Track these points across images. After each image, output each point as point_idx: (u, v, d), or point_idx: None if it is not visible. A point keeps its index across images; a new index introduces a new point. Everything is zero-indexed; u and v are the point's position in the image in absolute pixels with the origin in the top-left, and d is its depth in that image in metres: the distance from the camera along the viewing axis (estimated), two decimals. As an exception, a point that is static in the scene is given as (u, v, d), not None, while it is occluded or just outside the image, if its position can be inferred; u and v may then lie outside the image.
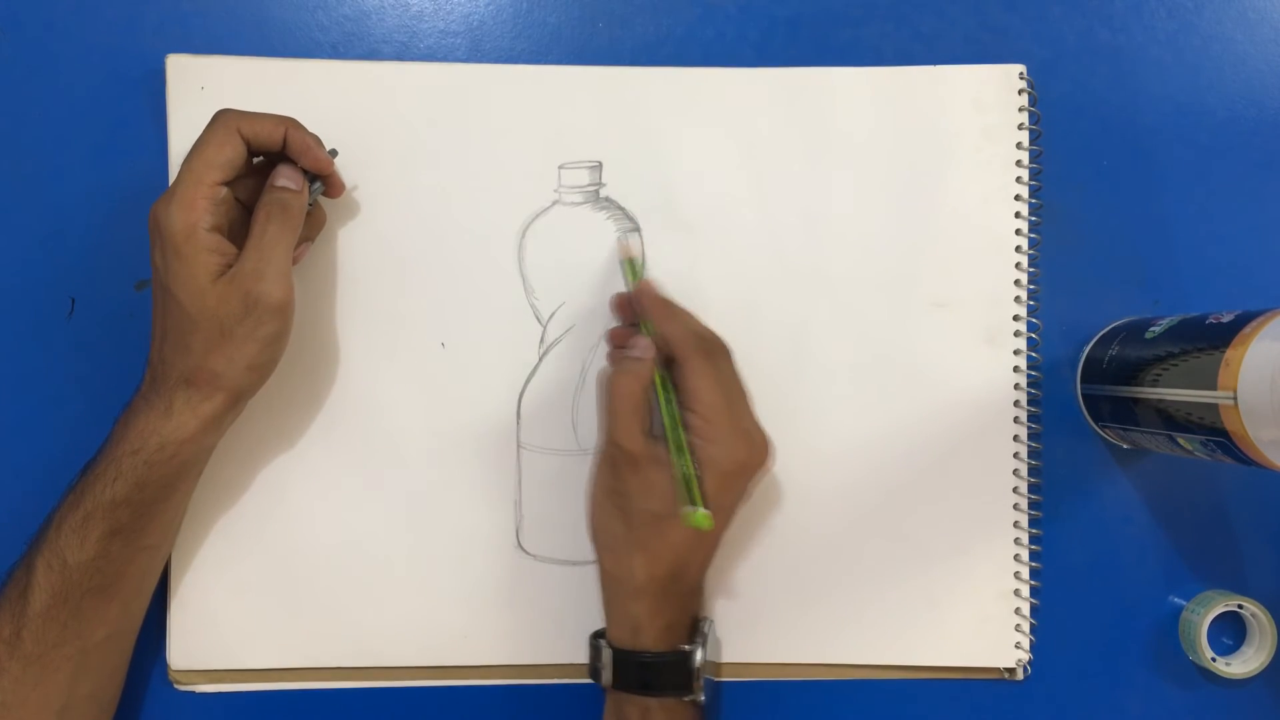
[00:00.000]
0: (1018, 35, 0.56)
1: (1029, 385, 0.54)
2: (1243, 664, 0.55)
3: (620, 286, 0.53)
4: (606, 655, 0.48)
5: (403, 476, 0.53)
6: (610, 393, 0.47)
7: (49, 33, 0.53)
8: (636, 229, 0.54)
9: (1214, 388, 0.43)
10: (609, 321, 0.54)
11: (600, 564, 0.49)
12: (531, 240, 0.54)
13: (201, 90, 0.52)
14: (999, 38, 0.56)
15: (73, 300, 0.53)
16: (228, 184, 0.46)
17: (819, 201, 0.54)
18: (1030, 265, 0.55)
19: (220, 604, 0.53)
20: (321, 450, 0.53)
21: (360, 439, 0.53)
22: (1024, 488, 0.54)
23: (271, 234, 0.45)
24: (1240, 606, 0.54)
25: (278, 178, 0.47)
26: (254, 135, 0.46)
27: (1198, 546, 0.56)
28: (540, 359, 0.54)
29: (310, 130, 0.48)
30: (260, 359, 0.46)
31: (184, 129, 0.52)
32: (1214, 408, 0.43)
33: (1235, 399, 0.42)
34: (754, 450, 0.47)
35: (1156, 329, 0.50)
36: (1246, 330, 0.43)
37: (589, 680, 0.49)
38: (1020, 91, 0.55)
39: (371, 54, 0.54)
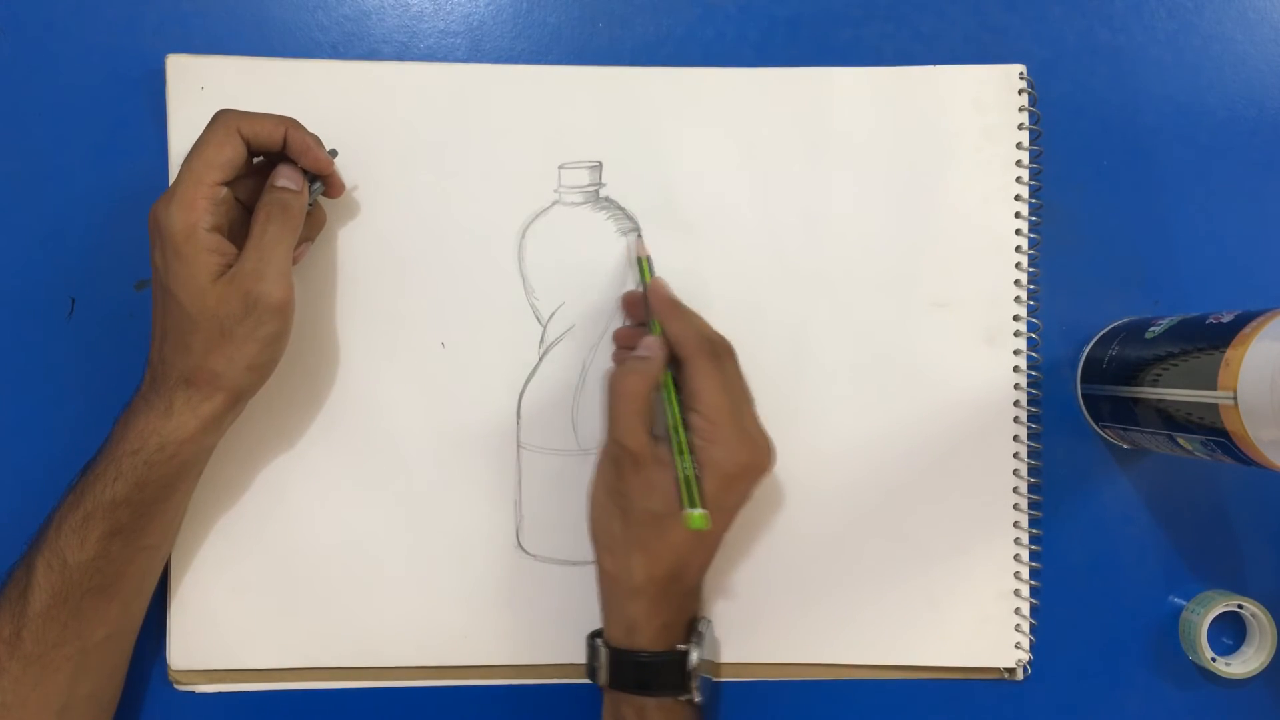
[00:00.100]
0: (1018, 35, 0.56)
1: (1029, 385, 0.54)
2: (1243, 664, 0.55)
3: (624, 285, 0.53)
4: (603, 655, 0.48)
5: (403, 476, 0.53)
6: (616, 391, 0.47)
7: (49, 33, 0.53)
8: (636, 229, 0.54)
9: (1214, 388, 0.43)
10: (609, 321, 0.54)
11: (599, 563, 0.49)
12: (531, 240, 0.54)
13: (201, 90, 0.52)
14: (999, 38, 0.56)
15: (73, 300, 0.53)
16: (228, 184, 0.46)
17: (819, 201, 0.54)
18: (1030, 265, 0.55)
19: (220, 604, 0.53)
20: (321, 450, 0.53)
21: (360, 439, 0.53)
22: (1024, 488, 0.54)
23: (271, 234, 0.45)
24: (1240, 606, 0.54)
25: (278, 178, 0.47)
26: (254, 135, 0.46)
27: (1198, 546, 0.56)
28: (540, 359, 0.54)
29: (310, 130, 0.48)
30: (260, 359, 0.46)
31: (184, 129, 0.52)
32: (1214, 408, 0.43)
33: (1235, 399, 0.42)
34: (757, 453, 0.47)
35: (1156, 329, 0.50)
36: (1246, 330, 0.43)
37: (589, 680, 0.49)
38: (1020, 91, 0.55)
39: (371, 54, 0.54)
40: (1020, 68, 0.55)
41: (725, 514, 0.47)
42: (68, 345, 0.53)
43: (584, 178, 0.54)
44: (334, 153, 0.49)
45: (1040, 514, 0.55)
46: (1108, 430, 0.55)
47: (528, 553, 0.54)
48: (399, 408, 0.53)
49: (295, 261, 0.48)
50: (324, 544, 0.53)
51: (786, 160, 0.54)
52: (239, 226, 0.47)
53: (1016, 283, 0.54)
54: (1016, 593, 0.54)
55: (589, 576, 0.51)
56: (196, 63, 0.52)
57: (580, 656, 0.51)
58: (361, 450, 0.53)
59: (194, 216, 0.44)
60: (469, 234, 0.53)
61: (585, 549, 0.50)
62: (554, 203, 0.54)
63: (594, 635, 0.50)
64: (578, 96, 0.54)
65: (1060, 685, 0.55)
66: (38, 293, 0.53)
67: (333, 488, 0.53)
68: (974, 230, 0.54)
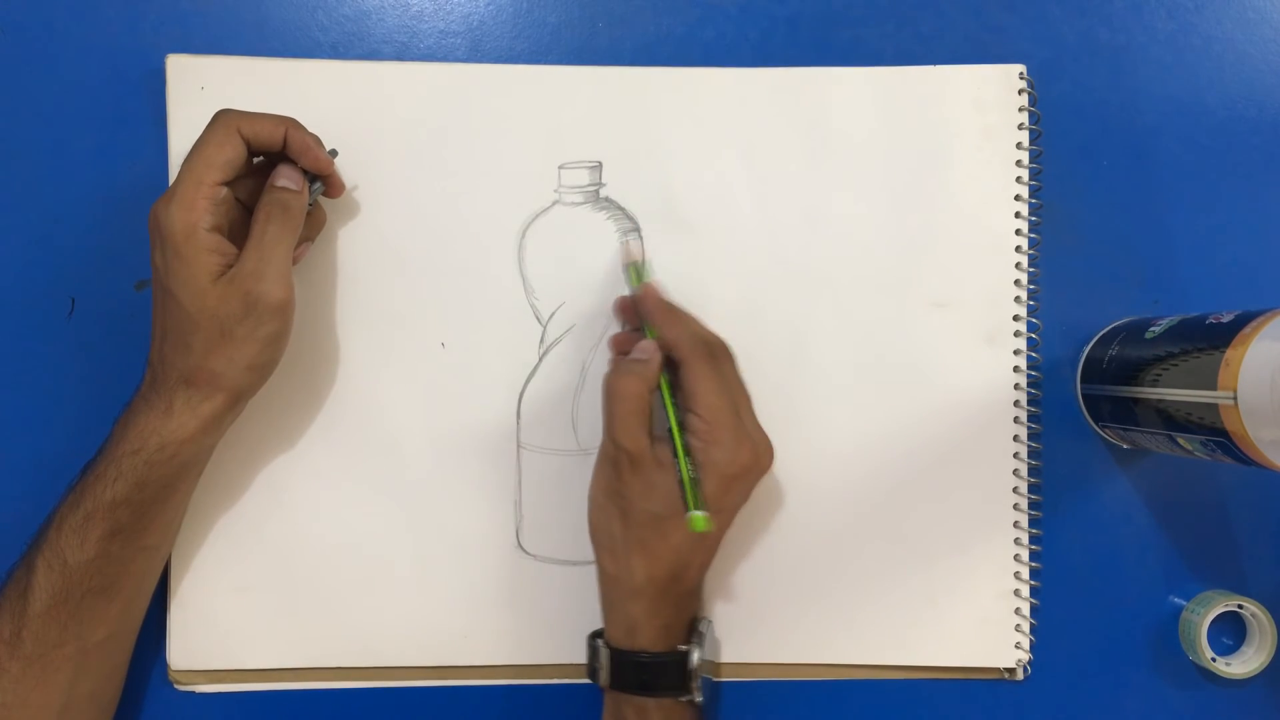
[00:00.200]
0: (1018, 35, 0.56)
1: (1029, 385, 0.54)
2: (1243, 664, 0.55)
3: (622, 288, 0.53)
4: (604, 655, 0.48)
5: (403, 476, 0.53)
6: (613, 393, 0.47)
7: (49, 33, 0.53)
8: (636, 229, 0.54)
9: (1214, 388, 0.43)
10: (609, 321, 0.54)
11: (599, 564, 0.49)
12: (531, 240, 0.54)
13: (201, 90, 0.52)
14: (999, 38, 0.56)
15: (73, 300, 0.53)
16: (228, 184, 0.46)
17: (819, 201, 0.54)
18: (1030, 265, 0.55)
19: (220, 604, 0.53)
20: (321, 450, 0.53)
21: (360, 439, 0.53)
22: (1024, 488, 0.54)
23: (271, 234, 0.45)
24: (1240, 606, 0.54)
25: (278, 178, 0.47)
26: (254, 135, 0.46)
27: (1198, 546, 0.56)
28: (540, 359, 0.54)
29: (310, 130, 0.48)
30: (260, 359, 0.46)
31: (184, 129, 0.52)
32: (1214, 408, 0.43)
33: (1235, 399, 0.42)
34: (756, 454, 0.47)
35: (1156, 329, 0.50)
36: (1246, 330, 0.43)
37: (589, 681, 0.49)
38: (1020, 91, 0.55)
39: (371, 54, 0.54)
40: (1020, 68, 0.55)
41: (725, 514, 0.48)
42: (68, 345, 0.53)
43: (584, 178, 0.54)
44: (334, 153, 0.49)
45: (1040, 514, 0.55)
46: (1108, 430, 0.55)
47: (528, 553, 0.54)
48: (399, 408, 0.53)
49: (295, 261, 0.48)
50: (324, 544, 0.53)
51: (786, 160, 0.54)
52: (239, 226, 0.47)
53: (1016, 283, 0.54)
54: (1016, 593, 0.54)
55: (589, 576, 0.51)
56: (196, 63, 0.52)
57: (580, 657, 0.51)
58: (361, 450, 0.53)
59: (194, 216, 0.44)
60: (469, 234, 0.53)
61: (585, 549, 0.50)
62: (554, 203, 0.54)
63: (594, 636, 0.50)
64: (578, 96, 0.54)
65: (1060, 685, 0.55)
66: (38, 293, 0.53)
67: (333, 488, 0.53)
68: (974, 230, 0.54)
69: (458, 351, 0.53)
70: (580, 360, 0.54)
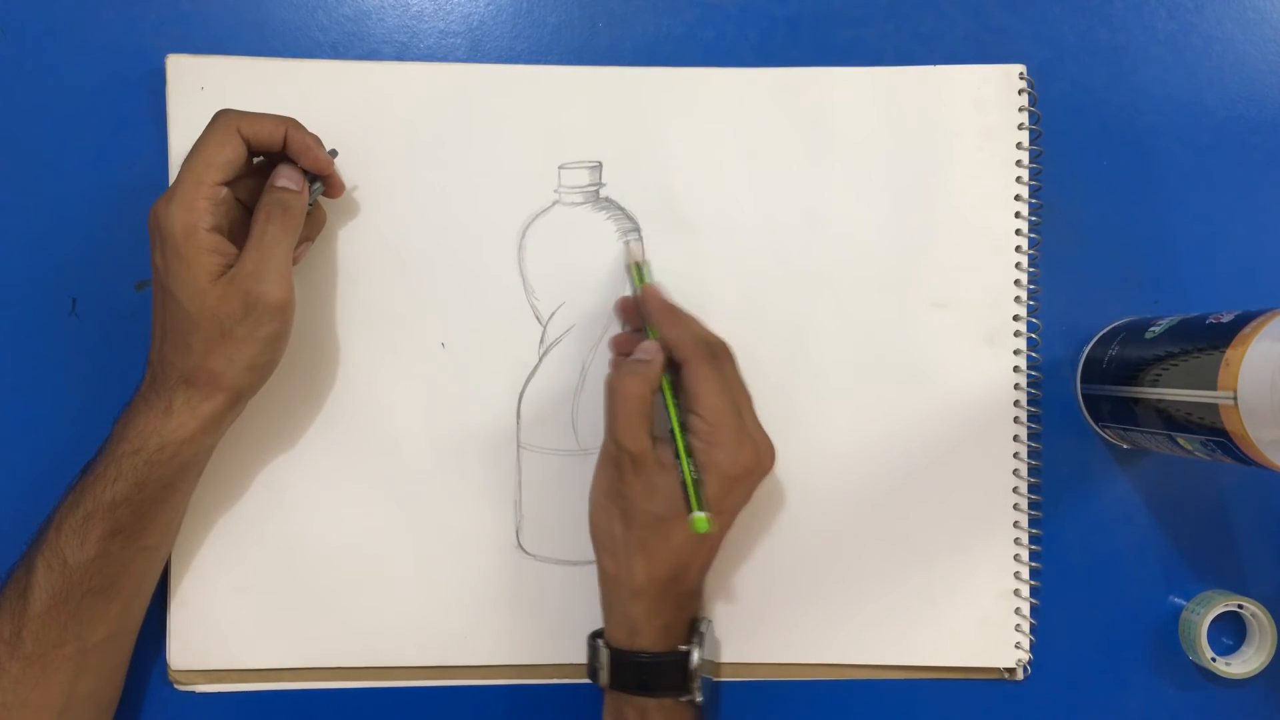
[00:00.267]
0: (1018, 35, 0.56)
1: (1029, 385, 0.54)
2: (1243, 664, 0.55)
3: (624, 286, 0.53)
4: (604, 655, 0.48)
5: (403, 476, 0.53)
6: (615, 393, 0.47)
7: (49, 33, 0.53)
8: (636, 229, 0.54)
9: (1214, 388, 0.43)
10: (610, 322, 0.54)
11: (600, 564, 0.49)
12: (531, 240, 0.54)
13: (201, 90, 0.52)
14: (999, 38, 0.56)
15: (73, 300, 0.53)
16: (228, 184, 0.46)
17: (819, 201, 0.54)
18: (1030, 265, 0.55)
19: (220, 604, 0.53)
20: (321, 450, 0.53)
21: (360, 439, 0.53)
22: (1024, 488, 0.54)
23: (271, 234, 0.45)
24: (1240, 606, 0.54)
25: (278, 178, 0.47)
26: (254, 135, 0.46)
27: (1198, 546, 0.56)
28: (540, 359, 0.54)
29: (310, 130, 0.48)
30: (260, 359, 0.46)
31: (184, 129, 0.52)
32: (1214, 408, 0.43)
33: (1235, 399, 0.42)
34: (758, 455, 0.47)
35: (1156, 329, 0.50)
36: (1246, 330, 0.43)
37: (589, 681, 0.49)
38: (1020, 91, 0.55)
39: (371, 54, 0.54)
40: (1020, 68, 0.55)
41: (726, 515, 0.48)
42: (68, 345, 0.53)
43: (584, 178, 0.54)
44: (334, 153, 0.49)
45: (1040, 514, 0.55)
46: (1108, 430, 0.55)
47: (528, 553, 0.54)
48: (399, 408, 0.53)
49: (295, 261, 0.48)
50: (324, 544, 0.53)
51: (786, 160, 0.54)
52: (239, 226, 0.47)
53: (1016, 283, 0.54)
54: (1016, 593, 0.54)
55: (589, 576, 0.51)
56: (196, 63, 0.52)
57: (580, 657, 0.51)
58: (361, 450, 0.53)
59: (194, 216, 0.44)
60: (469, 234, 0.53)
61: (585, 549, 0.50)
62: (554, 203, 0.54)
63: (595, 636, 0.50)
64: (577, 96, 0.54)
65: (1060, 685, 0.55)
66: (38, 292, 0.53)
67: (333, 488, 0.53)
68: (974, 230, 0.54)
69: (458, 351, 0.54)
70: (580, 360, 0.54)
